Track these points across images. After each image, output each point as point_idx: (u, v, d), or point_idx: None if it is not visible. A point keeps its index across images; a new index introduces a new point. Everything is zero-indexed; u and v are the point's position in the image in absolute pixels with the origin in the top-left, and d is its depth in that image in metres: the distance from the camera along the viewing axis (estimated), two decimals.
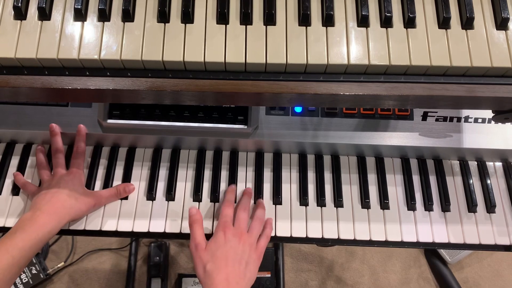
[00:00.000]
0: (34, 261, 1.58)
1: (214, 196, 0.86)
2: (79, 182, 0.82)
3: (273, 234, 0.82)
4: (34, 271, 1.57)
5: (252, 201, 0.86)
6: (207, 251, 0.74)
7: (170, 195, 0.86)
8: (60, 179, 0.80)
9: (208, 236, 0.79)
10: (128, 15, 0.56)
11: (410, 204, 0.86)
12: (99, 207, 0.84)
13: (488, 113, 0.87)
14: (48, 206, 0.75)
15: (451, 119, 0.87)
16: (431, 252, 1.71)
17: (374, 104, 0.63)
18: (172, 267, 1.65)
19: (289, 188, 0.88)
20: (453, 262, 1.69)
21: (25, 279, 1.56)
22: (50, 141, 0.86)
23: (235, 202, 0.86)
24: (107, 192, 0.84)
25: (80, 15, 0.56)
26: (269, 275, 1.58)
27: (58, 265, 1.62)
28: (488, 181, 0.89)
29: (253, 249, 0.76)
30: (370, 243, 0.83)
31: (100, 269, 1.65)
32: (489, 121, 0.87)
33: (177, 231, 0.83)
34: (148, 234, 0.83)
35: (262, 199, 0.87)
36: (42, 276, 1.57)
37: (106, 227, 0.83)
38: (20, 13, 0.56)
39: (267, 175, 0.89)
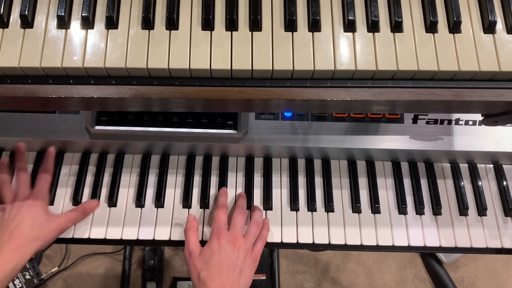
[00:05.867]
0: (28, 266, 1.57)
1: (204, 202, 0.85)
2: (42, 208, 0.78)
3: None
4: (28, 277, 1.56)
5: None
6: (201, 259, 0.73)
7: (159, 202, 0.85)
8: (21, 207, 0.77)
9: (201, 243, 0.78)
10: (112, 22, 0.55)
11: (401, 208, 0.86)
12: (67, 229, 0.81)
13: (479, 115, 0.87)
14: (9, 242, 0.72)
15: (442, 122, 0.86)
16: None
17: (362, 109, 0.63)
18: (167, 271, 1.65)
19: (280, 193, 0.87)
20: (449, 262, 1.69)
21: (18, 285, 1.55)
22: (15, 159, 0.84)
23: (228, 206, 0.85)
24: (73, 213, 0.81)
25: (63, 22, 0.55)
26: (264, 277, 1.57)
27: (52, 270, 1.61)
28: (480, 184, 0.89)
29: (248, 254, 0.75)
30: (361, 247, 0.83)
31: (94, 273, 1.64)
32: (480, 124, 0.86)
33: (167, 238, 0.82)
34: (137, 242, 0.82)
35: (253, 203, 0.86)
36: (36, 282, 1.56)
37: (94, 235, 0.82)
38: (2, 21, 0.55)
39: (258, 180, 0.88)
